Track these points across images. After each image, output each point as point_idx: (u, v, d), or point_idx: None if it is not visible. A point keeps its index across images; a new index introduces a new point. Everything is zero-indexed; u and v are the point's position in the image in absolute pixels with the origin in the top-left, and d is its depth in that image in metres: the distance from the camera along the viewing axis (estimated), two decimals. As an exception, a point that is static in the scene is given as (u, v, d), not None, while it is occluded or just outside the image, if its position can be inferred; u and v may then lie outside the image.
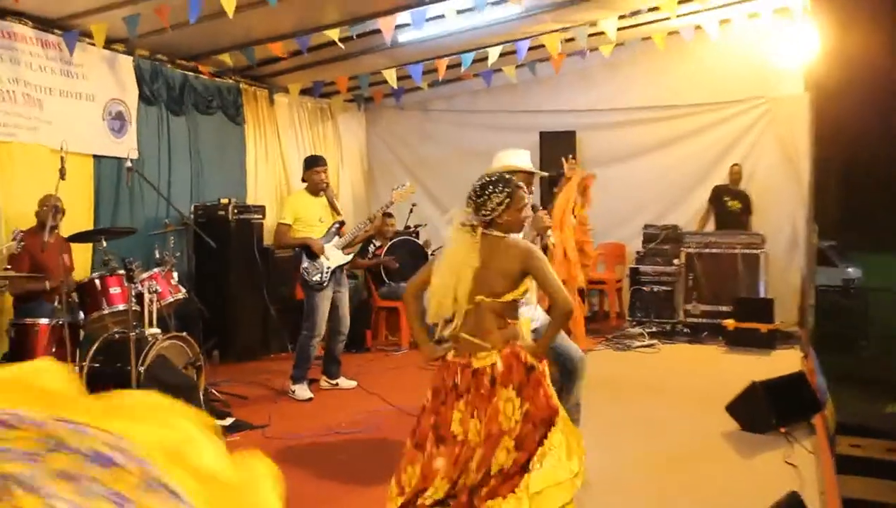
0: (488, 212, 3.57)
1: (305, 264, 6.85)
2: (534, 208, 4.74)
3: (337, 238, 6.98)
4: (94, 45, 7.22)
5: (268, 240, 8.72)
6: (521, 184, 3.73)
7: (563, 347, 4.90)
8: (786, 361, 7.71)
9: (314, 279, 6.82)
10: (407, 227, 10.29)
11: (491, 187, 3.59)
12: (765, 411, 5.57)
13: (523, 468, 3.30)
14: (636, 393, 7.01)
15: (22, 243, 5.68)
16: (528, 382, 3.41)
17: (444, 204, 10.02)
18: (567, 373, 4.86)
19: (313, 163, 7.18)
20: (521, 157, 4.87)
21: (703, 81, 10.17)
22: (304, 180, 7.20)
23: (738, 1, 9.00)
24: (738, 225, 9.81)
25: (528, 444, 3.33)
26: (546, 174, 6.04)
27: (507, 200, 3.58)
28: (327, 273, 6.84)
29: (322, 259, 6.82)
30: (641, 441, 5.69)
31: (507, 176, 3.72)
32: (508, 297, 3.52)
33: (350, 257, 7.15)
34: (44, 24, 6.92)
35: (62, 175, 5.89)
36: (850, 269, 17.69)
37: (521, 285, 3.52)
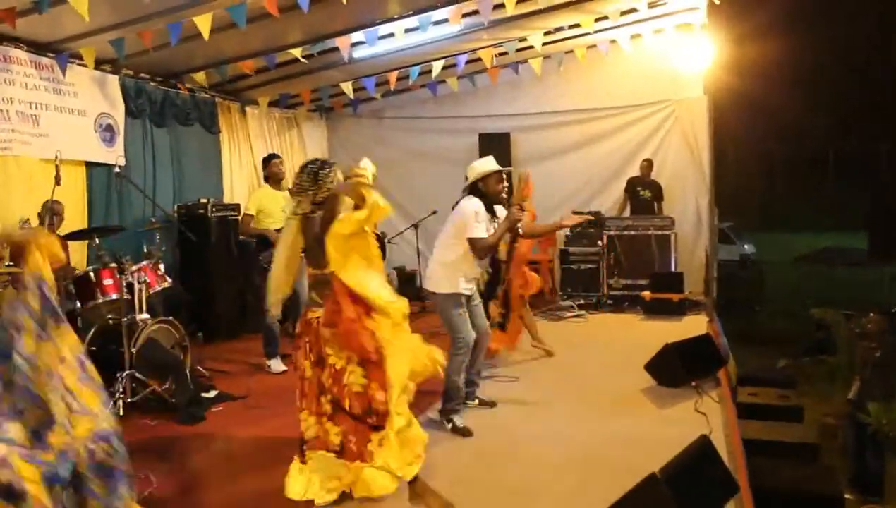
0: (328, 187, 3.68)
1: (266, 252, 6.69)
2: (510, 204, 4.81)
3: None
4: (84, 65, 7.00)
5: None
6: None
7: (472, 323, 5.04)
8: (694, 325, 7.81)
9: None
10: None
11: (325, 168, 3.74)
12: (677, 368, 5.65)
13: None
14: (568, 357, 7.05)
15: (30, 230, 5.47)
16: (343, 332, 3.46)
17: (397, 200, 9.94)
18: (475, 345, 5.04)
19: (273, 157, 7.42)
20: (490, 162, 5.06)
21: (618, 88, 10.25)
22: (266, 176, 7.28)
23: (646, 18, 9.07)
24: (651, 210, 9.91)
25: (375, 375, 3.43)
26: (511, 169, 6.09)
27: (338, 174, 3.74)
28: None
29: None
30: (573, 397, 5.74)
31: (323, 159, 3.84)
32: (328, 270, 3.55)
33: None
34: (37, 47, 6.68)
35: (58, 181, 5.73)
36: (745, 246, 18.06)
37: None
